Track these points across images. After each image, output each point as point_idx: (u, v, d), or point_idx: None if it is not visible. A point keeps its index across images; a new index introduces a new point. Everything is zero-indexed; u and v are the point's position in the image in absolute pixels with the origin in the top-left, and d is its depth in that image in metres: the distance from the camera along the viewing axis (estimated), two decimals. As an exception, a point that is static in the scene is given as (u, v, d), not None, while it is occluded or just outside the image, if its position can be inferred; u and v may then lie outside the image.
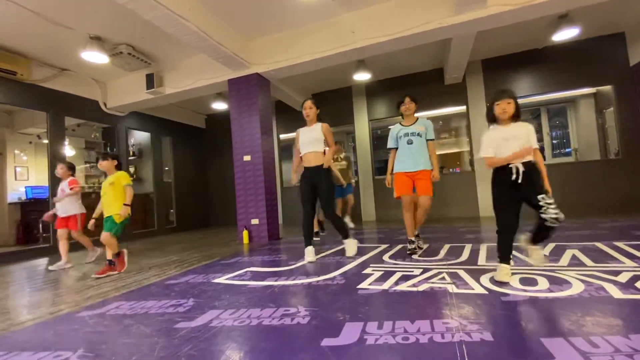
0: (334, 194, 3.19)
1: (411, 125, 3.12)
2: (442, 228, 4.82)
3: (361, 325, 1.54)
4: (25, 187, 6.54)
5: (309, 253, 3.08)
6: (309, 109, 3.14)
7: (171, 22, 3.56)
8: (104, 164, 3.24)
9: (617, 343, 1.21)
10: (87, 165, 7.50)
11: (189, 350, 1.40)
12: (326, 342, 1.39)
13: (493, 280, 2.07)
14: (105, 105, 6.00)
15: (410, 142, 3.05)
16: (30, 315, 2.11)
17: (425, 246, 3.29)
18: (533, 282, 1.99)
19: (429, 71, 6.50)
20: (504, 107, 2.06)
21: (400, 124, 3.21)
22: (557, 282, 1.96)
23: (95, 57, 4.50)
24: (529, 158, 2.03)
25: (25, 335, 1.76)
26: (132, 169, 7.20)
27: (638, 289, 1.76)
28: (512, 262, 2.13)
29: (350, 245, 3.19)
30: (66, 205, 3.79)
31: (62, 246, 3.74)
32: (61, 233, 3.79)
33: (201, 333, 1.58)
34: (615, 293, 1.73)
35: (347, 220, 5.38)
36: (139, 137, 7.57)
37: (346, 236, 3.20)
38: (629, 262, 2.28)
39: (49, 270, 3.61)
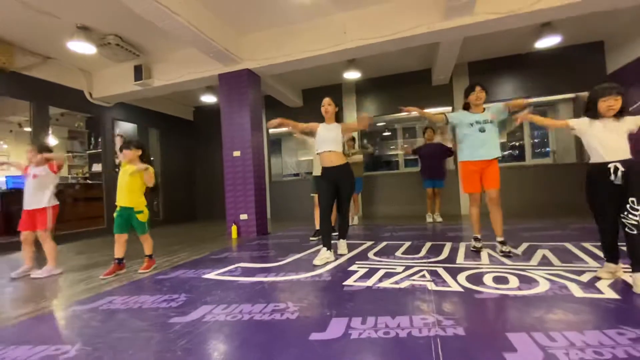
0: (353, 192, 3.22)
1: (481, 113, 3.00)
2: (425, 226, 5.00)
3: (346, 320, 1.66)
4: (6, 177, 6.37)
5: (323, 255, 2.91)
6: (328, 106, 3.10)
7: (162, 16, 3.54)
8: (128, 154, 2.96)
9: (573, 338, 1.37)
10: (70, 154, 7.34)
11: (184, 345, 1.48)
12: (314, 336, 1.50)
13: (469, 279, 2.23)
14: (91, 95, 5.89)
15: (482, 130, 2.91)
16: (22, 309, 2.14)
17: (516, 250, 2.96)
18: (505, 281, 2.15)
19: (418, 71, 6.63)
20: (611, 104, 1.95)
21: (468, 112, 3.07)
22: (526, 281, 2.13)
23: (82, 47, 4.42)
24: (629, 155, 1.93)
25: (20, 330, 1.81)
26: (117, 161, 7.09)
27: (597, 288, 1.94)
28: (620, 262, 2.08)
29: (343, 246, 3.30)
30: (37, 195, 3.06)
31: (27, 251, 3.11)
32: (26, 236, 3.07)
33: (195, 328, 1.67)
34: (577, 292, 1.90)
35: (356, 219, 5.63)
36: (125, 127, 7.44)
37: (344, 237, 3.32)
38: (592, 263, 2.48)
39: (12, 279, 2.96)
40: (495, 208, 2.93)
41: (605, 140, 1.99)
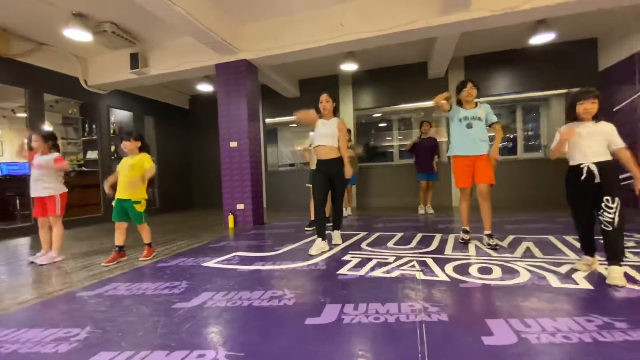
0: (346, 185, 3.31)
1: (471, 109, 3.10)
2: (417, 217, 5.15)
3: (339, 306, 1.78)
4: (1, 163, 6.35)
5: (318, 246, 3.02)
6: (326, 102, 3.15)
7: (161, 6, 3.53)
8: (127, 145, 3.03)
9: (545, 324, 1.50)
10: (65, 141, 7.30)
11: (189, 328, 1.59)
12: (309, 321, 1.62)
13: (456, 269, 2.37)
14: (86, 82, 5.85)
15: (470, 126, 3.02)
16: (29, 295, 2.23)
17: (502, 243, 3.10)
18: (489, 271, 2.29)
19: (414, 64, 6.67)
20: (587, 107, 2.07)
21: (460, 107, 3.17)
22: (508, 272, 2.27)
23: (78, 34, 4.38)
24: (605, 157, 2.06)
25: (29, 314, 1.90)
26: (112, 148, 7.09)
27: (573, 279, 2.09)
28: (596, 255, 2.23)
29: (337, 236, 3.41)
30: (42, 183, 3.09)
31: (43, 236, 3.20)
32: (42, 223, 3.18)
33: (198, 313, 1.78)
34: (554, 282, 2.04)
35: (348, 210, 5.72)
36: (120, 115, 7.41)
37: (338, 228, 3.42)
38: (572, 255, 2.63)
39: (30, 262, 3.10)
40: (484, 203, 3.05)
41: (582, 144, 2.11)
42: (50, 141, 3.19)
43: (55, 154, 3.19)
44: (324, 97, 3.17)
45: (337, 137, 3.15)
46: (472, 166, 3.07)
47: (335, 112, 3.26)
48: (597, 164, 2.06)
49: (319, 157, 3.20)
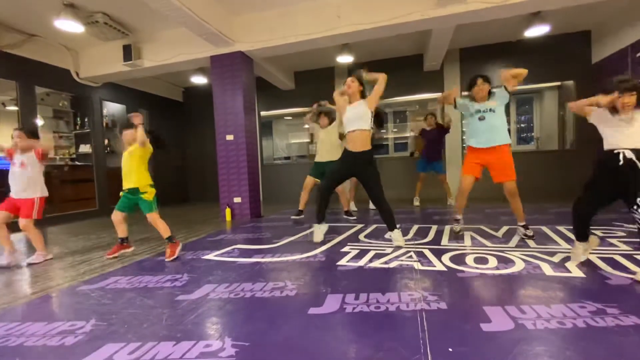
0: (380, 180, 3.01)
1: (483, 103, 3.03)
2: (413, 209, 5.20)
3: (341, 296, 1.81)
4: (-9, 157, 6.23)
5: (317, 231, 3.01)
6: (351, 82, 2.97)
7: (155, -3, 3.47)
8: (128, 133, 2.93)
9: (540, 310, 1.56)
10: (56, 134, 7.17)
11: (193, 319, 1.62)
12: (312, 311, 1.66)
13: (452, 259, 2.42)
14: (77, 74, 5.74)
15: (482, 119, 2.96)
16: (31, 289, 2.23)
17: (530, 233, 2.97)
18: (485, 261, 2.35)
19: (410, 57, 6.67)
20: (626, 101, 1.94)
21: (472, 100, 3.11)
22: (504, 261, 2.33)
23: (69, 25, 4.28)
24: None
25: (33, 308, 1.91)
26: (105, 142, 6.99)
27: (566, 267, 2.15)
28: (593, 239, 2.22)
29: (397, 236, 2.96)
30: (26, 185, 2.90)
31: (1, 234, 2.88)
32: (3, 217, 2.86)
33: (201, 304, 1.80)
34: (548, 271, 2.10)
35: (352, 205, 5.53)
36: (113, 107, 7.30)
37: (393, 228, 3.00)
38: (564, 245, 2.70)
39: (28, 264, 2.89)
40: (514, 199, 2.96)
41: (622, 129, 1.99)
42: (34, 138, 3.00)
43: (33, 150, 2.97)
44: (349, 79, 2.98)
45: (369, 118, 2.92)
46: (484, 161, 3.02)
47: (363, 94, 3.02)
48: (635, 151, 1.92)
49: (348, 147, 3.00)
